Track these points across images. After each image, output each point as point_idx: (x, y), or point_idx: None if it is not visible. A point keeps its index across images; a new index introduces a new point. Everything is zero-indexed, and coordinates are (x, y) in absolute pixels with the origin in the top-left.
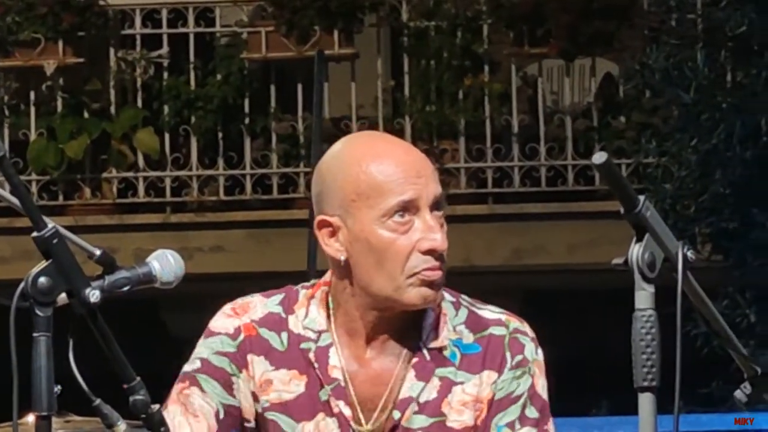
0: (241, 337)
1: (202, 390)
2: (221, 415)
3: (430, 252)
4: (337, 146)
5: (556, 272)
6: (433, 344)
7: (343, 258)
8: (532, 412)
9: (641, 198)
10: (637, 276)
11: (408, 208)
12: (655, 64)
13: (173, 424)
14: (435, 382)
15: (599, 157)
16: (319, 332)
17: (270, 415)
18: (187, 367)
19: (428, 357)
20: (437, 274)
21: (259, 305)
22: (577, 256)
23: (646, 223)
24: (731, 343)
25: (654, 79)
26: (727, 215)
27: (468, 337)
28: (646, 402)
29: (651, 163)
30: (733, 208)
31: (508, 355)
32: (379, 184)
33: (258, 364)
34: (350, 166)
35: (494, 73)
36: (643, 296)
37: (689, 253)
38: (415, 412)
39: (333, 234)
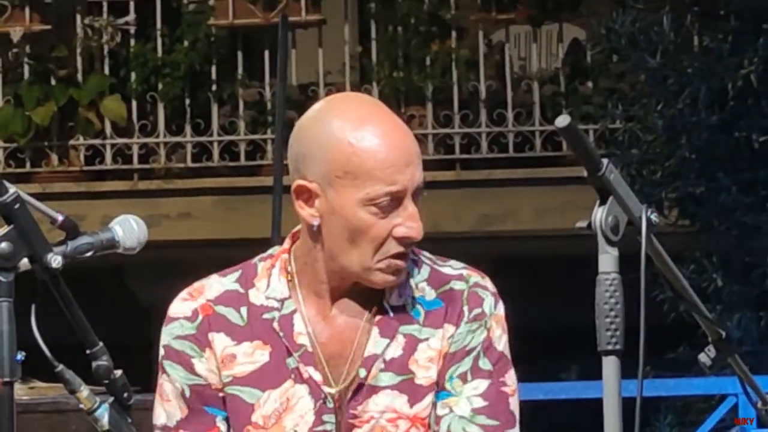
0: (200, 318)
1: (168, 375)
2: (187, 394)
3: (405, 239)
4: (324, 108)
5: (524, 238)
6: (396, 302)
7: (316, 224)
8: (485, 364)
9: (605, 161)
10: (600, 239)
11: (394, 197)
12: (622, 29)
13: (155, 415)
14: (400, 339)
15: (562, 120)
16: (282, 300)
17: (231, 390)
18: (160, 357)
19: (392, 314)
20: (404, 263)
21: (215, 285)
22: (545, 222)
23: (609, 186)
24: (695, 306)
25: (620, 44)
26: (694, 180)
27: (430, 294)
28: (610, 365)
29: (617, 129)
30: (699, 173)
31: (465, 309)
32: (369, 168)
33: (219, 340)
34: (340, 140)
35: (461, 39)
36: (607, 259)
37: (653, 216)
38: (382, 370)
39: (309, 199)
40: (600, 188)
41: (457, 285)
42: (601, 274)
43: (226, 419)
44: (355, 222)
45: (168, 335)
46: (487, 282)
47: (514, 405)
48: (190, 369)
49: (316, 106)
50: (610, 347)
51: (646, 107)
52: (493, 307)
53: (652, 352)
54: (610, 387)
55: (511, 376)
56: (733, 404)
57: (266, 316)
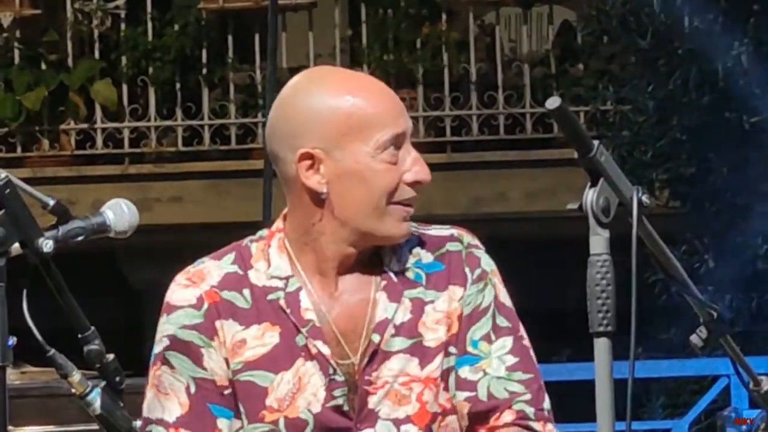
0: (206, 305)
1: (171, 367)
2: (192, 390)
3: (415, 183)
4: (304, 80)
5: (515, 220)
6: (397, 267)
7: (324, 190)
8: (502, 321)
9: (595, 143)
10: (591, 221)
11: (398, 140)
12: (612, 11)
13: (149, 408)
14: (406, 304)
15: (552, 102)
16: (286, 278)
17: (243, 377)
18: (156, 349)
19: (395, 279)
20: (412, 209)
21: (213, 269)
22: (536, 204)
23: (600, 168)
24: (687, 287)
25: (610, 26)
26: (685, 161)
27: (427, 257)
28: (601, 347)
29: (608, 110)
30: (690, 154)
31: (467, 270)
32: (372, 116)
33: (228, 327)
34: (335, 99)
35: (452, 22)
36: (598, 241)
37: (644, 198)
38: (392, 335)
39: (312, 166)
40: (591, 170)
41: (453, 246)
42: (592, 255)
43: (229, 418)
44: (370, 175)
45: (173, 324)
46: (476, 240)
47: (534, 356)
48: (198, 361)
49: (293, 82)
50: (601, 329)
51: (637, 89)
52: (489, 263)
53: (644, 333)
54: (602, 368)
55: (523, 329)
56: (725, 385)
57: (271, 296)
